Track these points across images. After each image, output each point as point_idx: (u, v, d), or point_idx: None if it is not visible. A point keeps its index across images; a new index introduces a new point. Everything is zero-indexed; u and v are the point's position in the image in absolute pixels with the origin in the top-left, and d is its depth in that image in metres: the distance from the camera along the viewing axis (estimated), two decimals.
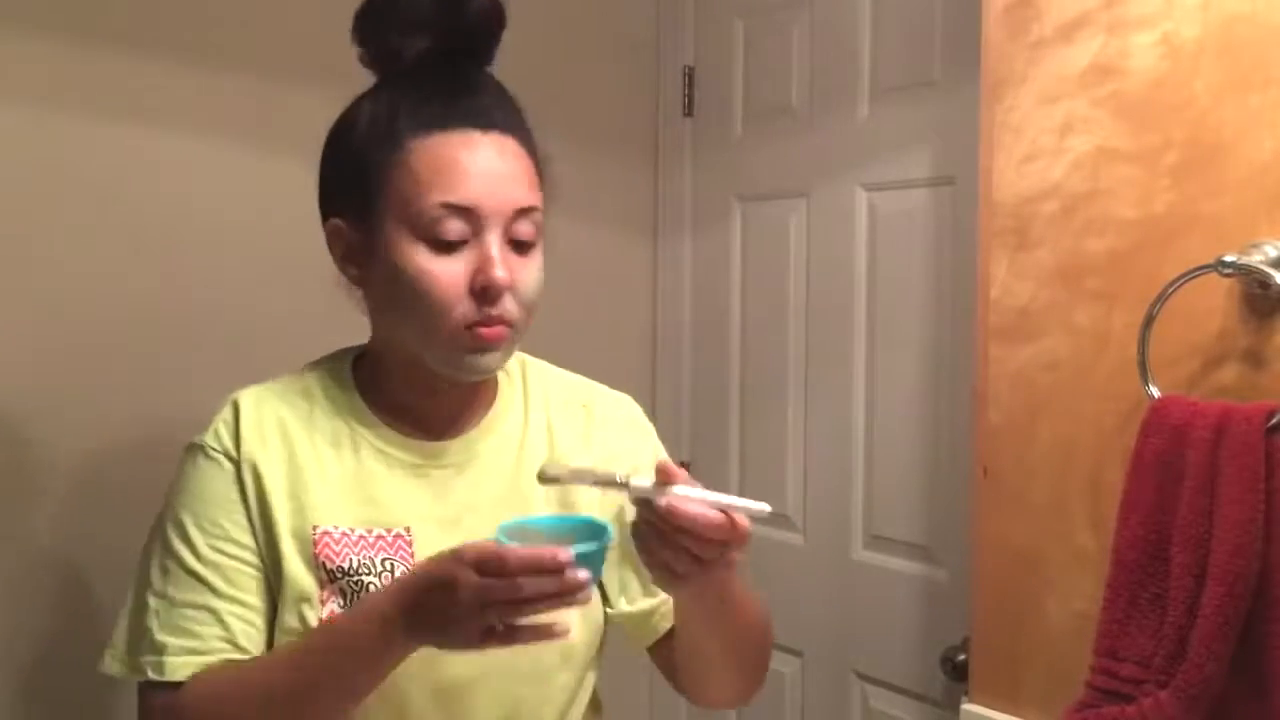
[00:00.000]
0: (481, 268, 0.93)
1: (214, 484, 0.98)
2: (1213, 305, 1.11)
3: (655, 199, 2.12)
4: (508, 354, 0.99)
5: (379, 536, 0.98)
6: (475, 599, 0.79)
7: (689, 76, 2.07)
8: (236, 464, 0.98)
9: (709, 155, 2.04)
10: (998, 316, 1.31)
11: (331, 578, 0.96)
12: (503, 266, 0.93)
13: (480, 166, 0.94)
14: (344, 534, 0.97)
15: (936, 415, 1.65)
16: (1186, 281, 1.10)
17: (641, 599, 1.07)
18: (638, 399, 1.15)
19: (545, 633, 0.83)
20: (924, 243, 1.66)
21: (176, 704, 0.93)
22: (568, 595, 0.79)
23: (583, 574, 0.78)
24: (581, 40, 1.97)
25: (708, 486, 0.83)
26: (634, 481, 0.81)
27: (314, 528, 0.97)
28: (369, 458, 1.01)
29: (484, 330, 0.94)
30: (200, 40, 1.52)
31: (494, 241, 0.94)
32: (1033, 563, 1.28)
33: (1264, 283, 1.06)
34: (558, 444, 1.06)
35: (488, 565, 0.79)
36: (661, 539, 0.82)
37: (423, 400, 1.02)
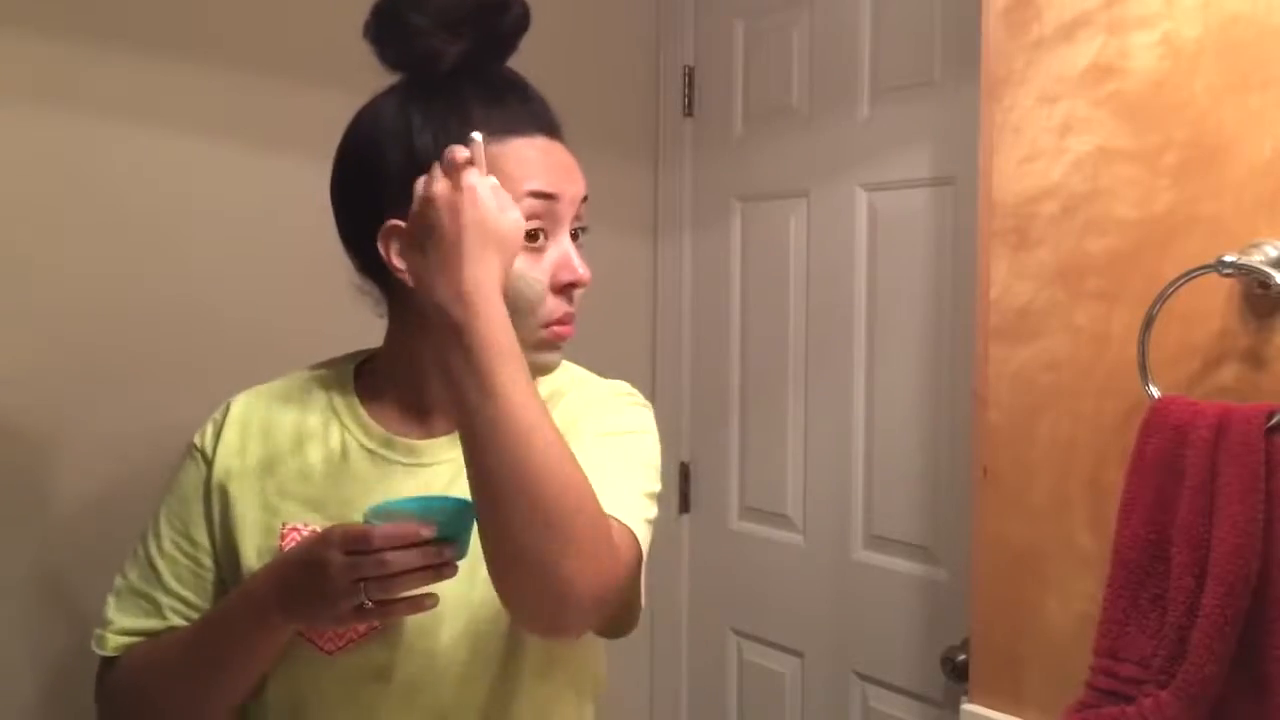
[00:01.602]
0: (566, 264, 0.96)
1: (188, 482, 1.03)
2: (1213, 305, 1.11)
3: (655, 199, 2.12)
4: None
5: None
6: (345, 577, 0.84)
7: (689, 76, 2.07)
8: (209, 465, 1.03)
9: (709, 155, 2.04)
10: (998, 316, 1.31)
11: None
12: (584, 263, 0.97)
13: (557, 160, 0.98)
14: (313, 531, 0.98)
15: (936, 415, 1.65)
16: (1186, 282, 1.10)
17: None
18: None
19: (415, 605, 0.87)
20: (924, 243, 1.67)
21: (109, 676, 1.02)
22: (433, 568, 0.84)
23: (447, 549, 0.84)
24: (581, 40, 1.97)
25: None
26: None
27: (284, 524, 0.99)
28: (357, 458, 1.01)
29: (561, 329, 0.97)
30: (201, 40, 1.52)
31: (567, 237, 0.97)
32: (1033, 563, 1.28)
33: (1264, 283, 1.06)
34: None
35: (354, 543, 0.83)
36: None
37: (433, 400, 1.02)
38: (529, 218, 0.93)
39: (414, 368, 1.02)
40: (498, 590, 0.87)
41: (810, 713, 1.86)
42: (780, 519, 1.91)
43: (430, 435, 1.03)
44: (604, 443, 0.99)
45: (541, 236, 0.95)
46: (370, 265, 0.99)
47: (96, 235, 1.44)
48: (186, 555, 1.01)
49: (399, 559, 0.83)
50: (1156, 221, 1.16)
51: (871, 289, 1.76)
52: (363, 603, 0.84)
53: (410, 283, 0.92)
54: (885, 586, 1.73)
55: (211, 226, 1.53)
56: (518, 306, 0.93)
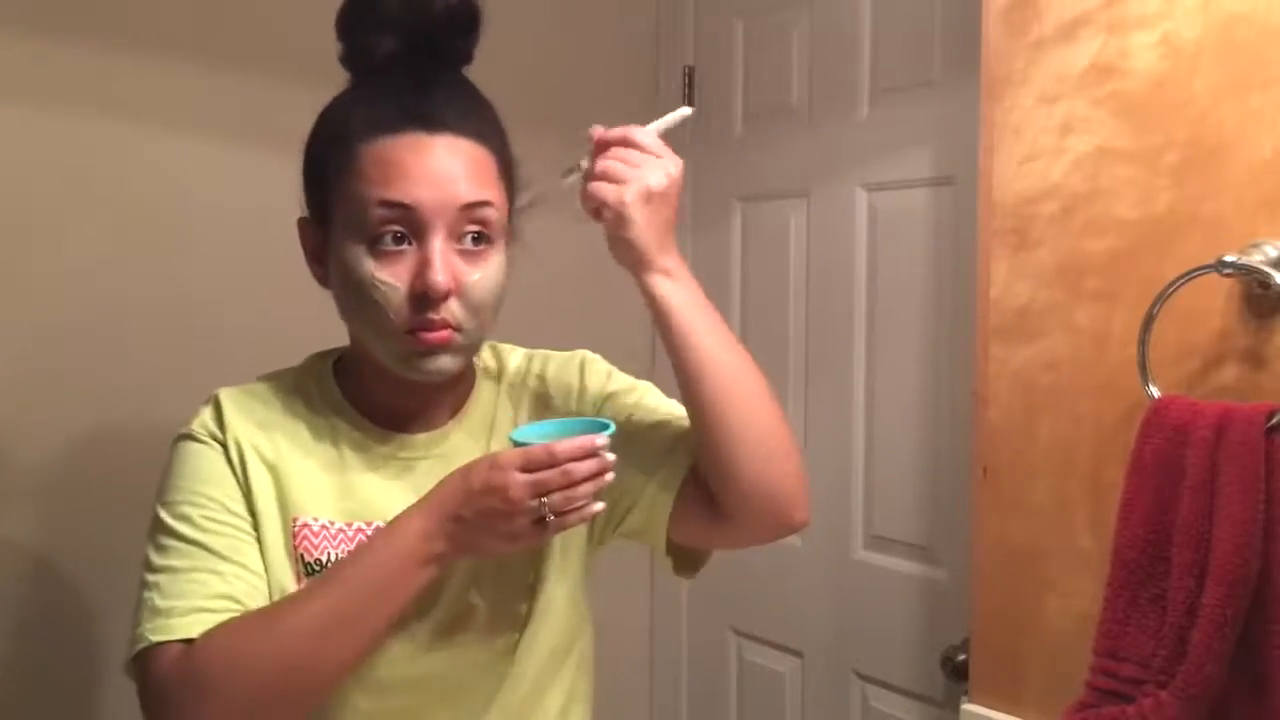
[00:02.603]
0: (420, 272, 0.92)
1: (204, 464, 0.98)
2: (1213, 305, 1.11)
3: None
4: (462, 357, 0.98)
5: (358, 530, 0.99)
6: (528, 494, 0.87)
7: (689, 76, 2.07)
8: (224, 446, 0.99)
9: (709, 155, 2.04)
10: (998, 316, 1.31)
11: (309, 570, 0.97)
12: (443, 271, 0.92)
13: (423, 167, 0.93)
14: (323, 526, 0.98)
15: (936, 415, 1.65)
16: (1186, 281, 1.10)
17: (643, 489, 1.05)
18: None
19: (587, 513, 0.90)
20: (924, 243, 1.67)
21: (189, 658, 0.89)
22: (604, 474, 0.89)
23: (611, 456, 0.89)
24: (581, 40, 1.97)
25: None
26: (583, 162, 0.96)
27: (294, 520, 0.98)
28: (349, 452, 1.02)
29: (425, 335, 0.93)
30: (199, 40, 1.52)
31: (436, 245, 0.93)
32: (1033, 563, 1.28)
33: (1264, 283, 1.06)
34: (521, 422, 1.07)
35: (536, 461, 0.87)
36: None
37: (396, 396, 1.03)
38: (382, 224, 0.92)
39: (369, 360, 1.01)
40: (743, 494, 0.99)
41: (810, 713, 1.86)
42: None
43: (414, 430, 1.04)
44: (636, 391, 1.11)
45: (406, 240, 0.93)
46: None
47: (91, 233, 1.45)
48: (231, 526, 0.96)
49: (580, 469, 0.87)
50: (1156, 221, 1.16)
51: (871, 289, 1.75)
52: (544, 515, 0.87)
53: (322, 282, 1.00)
54: (885, 586, 1.73)
55: (210, 225, 1.53)
56: (374, 311, 0.93)
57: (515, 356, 1.14)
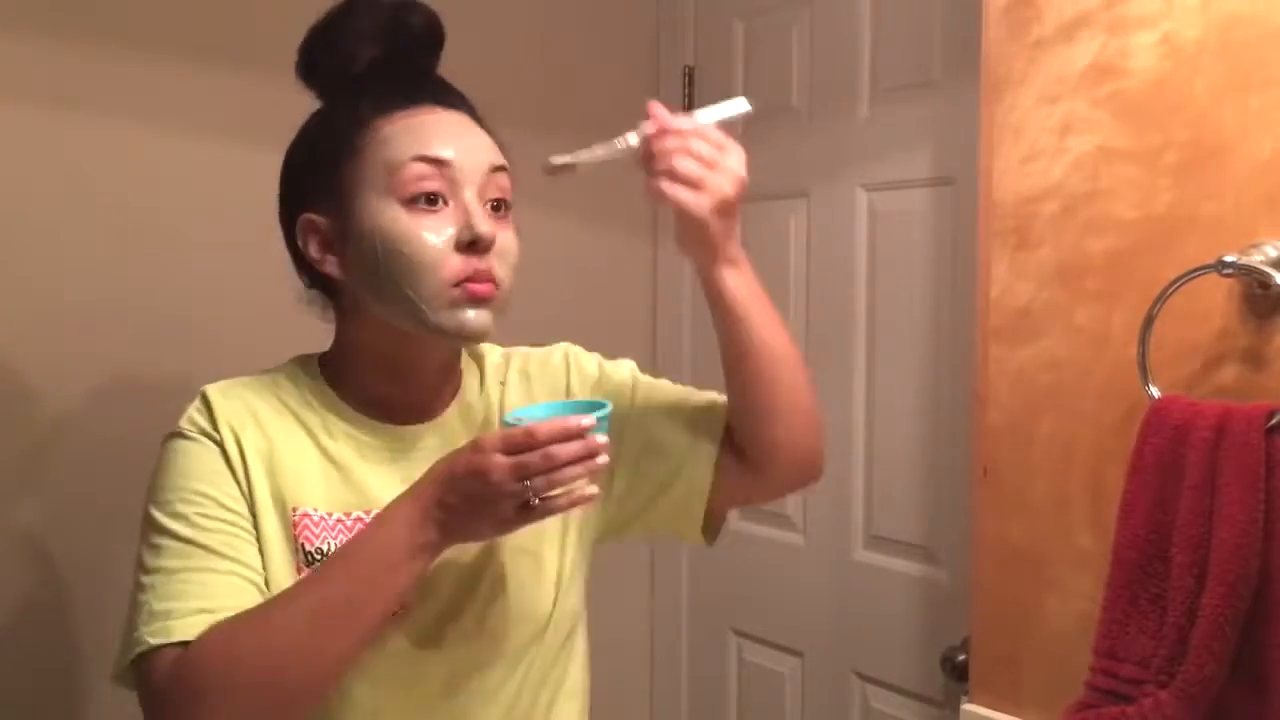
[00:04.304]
0: (467, 223, 0.96)
1: (197, 461, 0.97)
2: (1213, 305, 1.11)
3: None
4: (498, 316, 0.99)
5: (357, 519, 0.99)
6: (510, 477, 0.85)
7: (689, 76, 2.07)
8: (219, 441, 0.98)
9: None
10: (998, 316, 1.31)
11: (309, 560, 0.97)
12: (486, 221, 0.96)
13: (449, 129, 0.98)
14: (323, 517, 0.98)
15: (936, 415, 1.65)
16: (1186, 282, 1.10)
17: (684, 452, 1.09)
18: None
19: (576, 499, 0.88)
20: (924, 243, 1.67)
21: (187, 658, 0.88)
22: (593, 457, 0.86)
23: (601, 438, 0.86)
24: (581, 40, 1.97)
25: None
26: (630, 137, 0.98)
27: (293, 509, 0.98)
28: (343, 445, 1.02)
29: (474, 286, 0.96)
30: (199, 40, 1.52)
31: (473, 199, 0.97)
32: (1033, 563, 1.28)
33: (1264, 283, 1.06)
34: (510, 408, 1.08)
35: (516, 443, 0.85)
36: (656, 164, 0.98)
37: (393, 390, 1.04)
38: (419, 179, 0.95)
39: (370, 360, 1.03)
40: (777, 460, 1.06)
41: (810, 713, 1.86)
42: (780, 519, 1.91)
43: (401, 422, 1.04)
44: (642, 376, 1.15)
45: (440, 200, 0.96)
46: (315, 272, 1.02)
47: (92, 231, 1.45)
48: (226, 522, 0.95)
49: (565, 451, 0.85)
50: (1156, 221, 1.16)
51: (871, 289, 1.75)
52: (529, 500, 0.86)
53: (333, 271, 0.99)
54: (885, 586, 1.73)
55: (210, 226, 1.53)
56: (411, 267, 0.95)
57: (492, 353, 1.15)
